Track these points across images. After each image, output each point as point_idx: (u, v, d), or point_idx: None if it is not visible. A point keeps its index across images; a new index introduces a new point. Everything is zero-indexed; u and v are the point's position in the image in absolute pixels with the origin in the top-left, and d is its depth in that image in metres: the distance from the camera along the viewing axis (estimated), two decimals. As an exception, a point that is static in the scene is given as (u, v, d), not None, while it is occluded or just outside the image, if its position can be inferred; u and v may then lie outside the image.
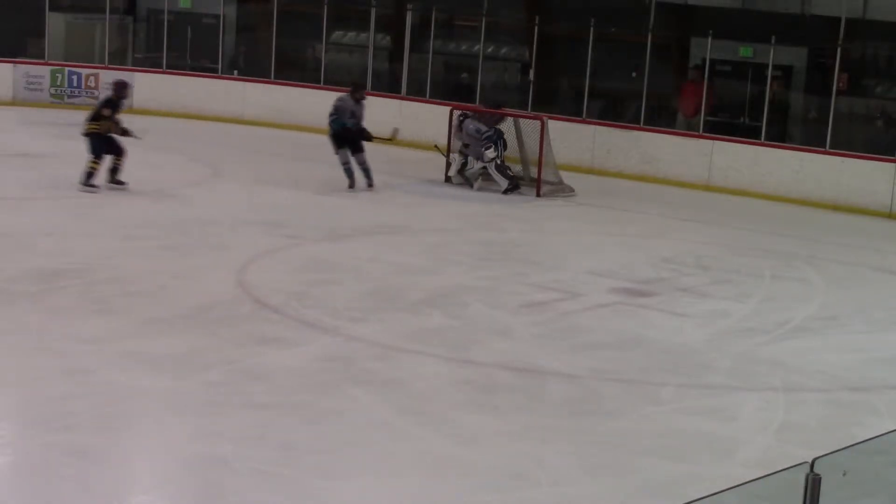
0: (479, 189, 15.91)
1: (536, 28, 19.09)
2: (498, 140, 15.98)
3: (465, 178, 16.16)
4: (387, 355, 8.68)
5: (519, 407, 7.81)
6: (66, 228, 12.10)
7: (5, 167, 15.46)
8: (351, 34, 21.77)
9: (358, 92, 15.78)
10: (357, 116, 15.52)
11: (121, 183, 14.19)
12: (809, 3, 18.12)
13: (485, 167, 16.02)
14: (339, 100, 15.65)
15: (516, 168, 16.60)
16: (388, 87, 20.45)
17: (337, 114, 15.43)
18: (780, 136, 17.69)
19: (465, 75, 20.14)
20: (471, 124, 16.23)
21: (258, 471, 6.46)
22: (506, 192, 15.77)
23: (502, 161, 16.02)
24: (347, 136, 15.35)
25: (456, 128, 16.56)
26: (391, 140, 16.09)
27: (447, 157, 16.73)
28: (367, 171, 15.42)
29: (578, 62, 18.60)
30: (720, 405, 8.15)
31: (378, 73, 20.84)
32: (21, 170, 15.33)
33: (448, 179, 16.24)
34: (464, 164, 16.21)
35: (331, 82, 20.33)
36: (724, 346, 9.47)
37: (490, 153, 15.84)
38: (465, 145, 16.16)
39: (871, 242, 14.29)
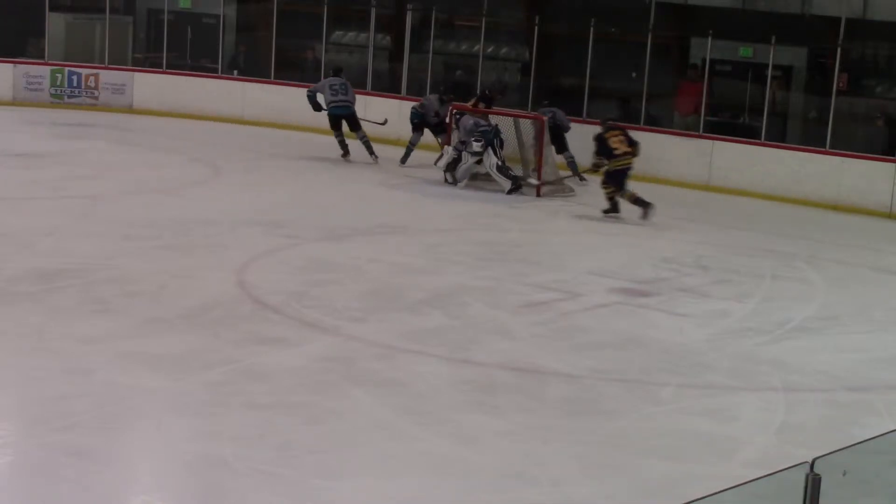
0: (466, 188, 15.88)
1: (536, 28, 19.09)
2: (494, 138, 15.93)
3: (452, 177, 16.09)
4: (387, 355, 8.69)
5: (519, 407, 7.81)
6: (66, 228, 12.10)
7: (5, 167, 15.46)
8: (351, 34, 21.75)
9: (446, 94, 17.80)
10: (440, 116, 17.46)
11: None
12: (809, 3, 18.12)
13: (484, 169, 15.98)
14: (426, 99, 17.91)
15: (516, 168, 16.59)
16: (388, 87, 20.44)
17: (422, 109, 17.65)
18: (780, 136, 17.69)
19: (459, 72, 20.13)
20: (469, 120, 16.21)
21: (258, 471, 6.46)
22: (509, 192, 15.74)
23: (503, 161, 15.99)
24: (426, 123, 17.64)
25: (453, 126, 16.61)
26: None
27: (441, 150, 16.87)
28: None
29: (578, 62, 18.59)
30: (720, 405, 8.16)
31: (378, 73, 20.82)
32: (21, 170, 15.33)
33: (440, 168, 16.28)
34: (455, 160, 16.14)
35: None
36: (724, 346, 9.47)
37: (477, 146, 15.77)
38: (462, 142, 16.14)
39: (871, 242, 14.29)
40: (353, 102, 17.71)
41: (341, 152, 17.68)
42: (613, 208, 14.56)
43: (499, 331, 9.52)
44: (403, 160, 17.47)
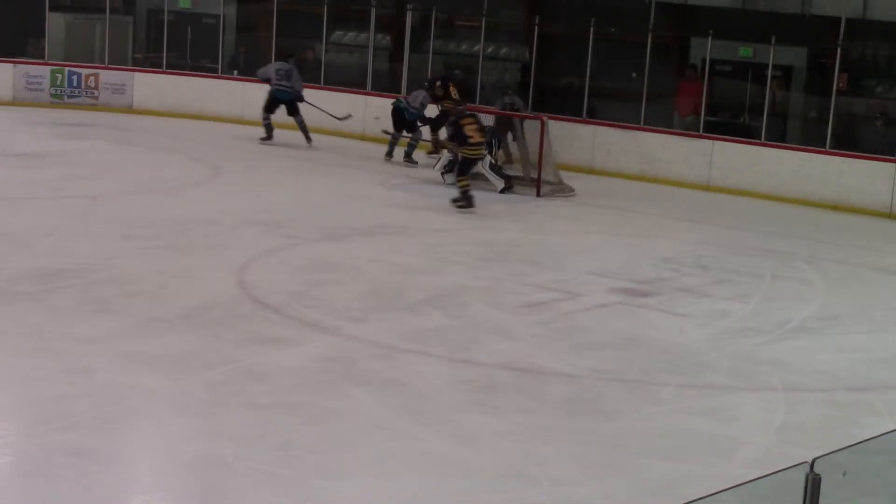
0: (451, 184, 15.89)
1: (536, 28, 19.09)
2: (492, 138, 15.96)
3: (442, 176, 16.10)
4: (387, 355, 8.69)
5: (519, 407, 7.82)
6: (66, 228, 12.10)
7: (5, 167, 15.46)
8: (351, 34, 21.75)
9: (430, 89, 17.95)
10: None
11: None
12: (809, 3, 18.11)
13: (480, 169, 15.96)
14: (419, 95, 17.87)
15: (516, 168, 16.60)
16: (389, 87, 20.43)
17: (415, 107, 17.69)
18: (780, 136, 17.69)
19: (457, 72, 20.14)
20: None
21: (258, 471, 6.46)
22: (502, 191, 15.75)
23: (496, 160, 16.02)
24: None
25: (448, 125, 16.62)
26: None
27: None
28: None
29: (578, 62, 18.60)
30: (720, 405, 8.16)
31: (378, 73, 20.82)
32: (21, 170, 15.33)
33: (437, 170, 16.34)
34: (452, 162, 16.13)
35: (331, 82, 20.32)
36: (724, 346, 9.47)
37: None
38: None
39: (871, 242, 14.29)
40: (293, 88, 18.46)
41: (264, 135, 18.52)
42: (467, 203, 14.35)
43: (499, 331, 9.52)
44: (409, 155, 17.55)
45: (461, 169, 14.52)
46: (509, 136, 17.22)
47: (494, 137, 15.96)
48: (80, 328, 8.79)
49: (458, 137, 14.44)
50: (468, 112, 14.75)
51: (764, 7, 18.61)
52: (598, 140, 18.12)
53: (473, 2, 19.99)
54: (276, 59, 19.51)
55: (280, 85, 18.39)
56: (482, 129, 14.62)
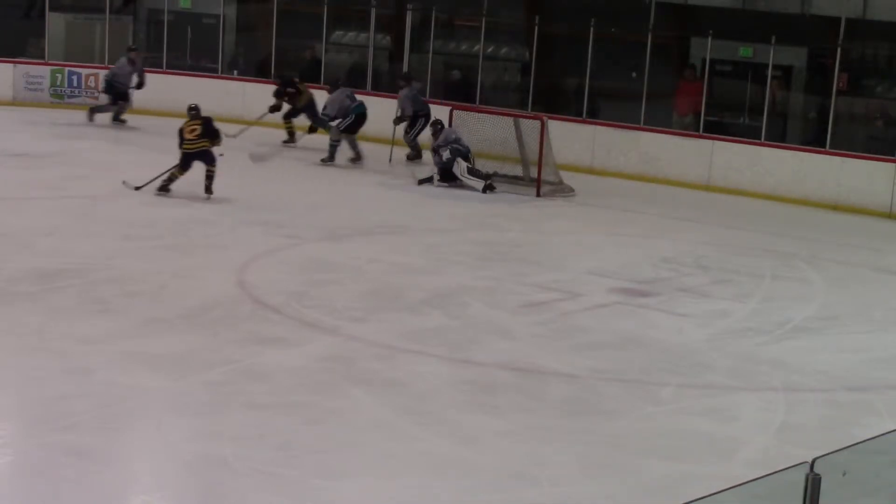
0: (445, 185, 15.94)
1: (536, 28, 19.09)
2: (467, 153, 16.08)
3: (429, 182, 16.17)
4: (387, 355, 8.69)
5: (519, 407, 7.82)
6: (66, 228, 12.10)
7: (5, 167, 15.45)
8: (351, 34, 21.75)
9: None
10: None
11: None
12: (809, 3, 18.12)
13: (457, 178, 15.93)
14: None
15: (516, 168, 16.59)
16: (388, 87, 20.43)
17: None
18: (780, 136, 17.70)
19: (455, 71, 20.12)
20: (452, 133, 16.23)
21: (258, 471, 6.47)
22: (484, 190, 15.73)
23: (472, 163, 16.05)
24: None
25: (436, 133, 16.61)
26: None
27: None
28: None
29: (578, 62, 18.60)
30: (720, 405, 8.16)
31: (378, 73, 20.82)
32: (21, 170, 15.33)
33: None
34: (430, 178, 16.18)
35: (331, 82, 20.29)
36: (724, 346, 9.48)
37: (445, 154, 15.84)
38: (435, 148, 16.14)
39: (871, 242, 14.29)
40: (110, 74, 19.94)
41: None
42: (164, 189, 14.23)
43: (499, 331, 9.53)
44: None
45: (181, 163, 14.45)
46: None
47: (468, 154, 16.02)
48: (80, 328, 8.79)
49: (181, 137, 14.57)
50: (193, 115, 14.81)
51: (764, 7, 18.62)
52: (598, 140, 18.12)
53: (473, 2, 19.99)
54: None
55: None
56: (207, 132, 14.68)
